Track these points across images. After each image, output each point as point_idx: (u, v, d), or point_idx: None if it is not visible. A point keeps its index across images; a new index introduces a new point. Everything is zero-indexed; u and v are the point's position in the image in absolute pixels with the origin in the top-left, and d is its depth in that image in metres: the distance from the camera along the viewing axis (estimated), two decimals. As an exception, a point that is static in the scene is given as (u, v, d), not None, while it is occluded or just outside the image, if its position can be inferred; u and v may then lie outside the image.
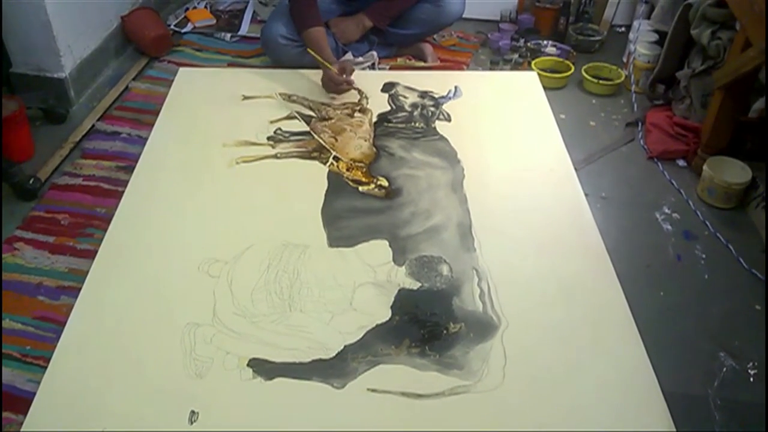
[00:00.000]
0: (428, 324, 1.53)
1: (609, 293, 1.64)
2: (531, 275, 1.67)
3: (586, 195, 1.95)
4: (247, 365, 1.44)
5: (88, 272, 1.67)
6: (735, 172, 2.01)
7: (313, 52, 2.30)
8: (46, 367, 1.45)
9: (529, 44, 2.79)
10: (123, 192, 1.91)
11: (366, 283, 1.63)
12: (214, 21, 2.97)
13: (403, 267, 1.67)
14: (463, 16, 2.67)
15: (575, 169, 2.05)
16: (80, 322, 1.54)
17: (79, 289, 1.63)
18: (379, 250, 1.73)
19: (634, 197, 2.05)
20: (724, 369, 1.55)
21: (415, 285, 1.63)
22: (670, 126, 2.26)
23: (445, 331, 1.52)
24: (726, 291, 1.75)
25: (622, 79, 2.56)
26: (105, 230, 1.79)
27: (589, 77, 2.55)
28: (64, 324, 1.55)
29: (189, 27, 2.91)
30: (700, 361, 1.57)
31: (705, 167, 2.03)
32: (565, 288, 1.64)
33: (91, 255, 1.73)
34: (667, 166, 2.18)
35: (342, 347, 1.48)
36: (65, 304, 1.63)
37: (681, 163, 2.20)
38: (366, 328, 1.52)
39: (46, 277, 1.72)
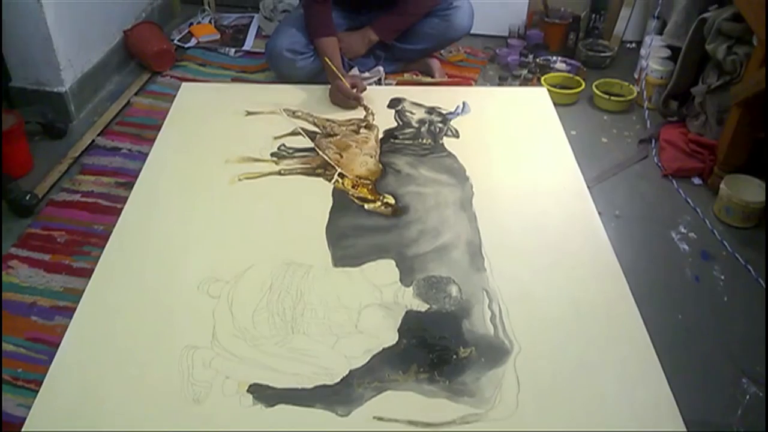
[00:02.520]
0: (437, 348, 1.46)
1: (625, 316, 1.57)
2: (544, 297, 1.60)
3: (599, 213, 1.88)
4: (247, 391, 1.37)
5: (83, 292, 1.61)
6: (753, 190, 1.95)
7: (327, 60, 2.26)
8: (37, 391, 1.38)
9: (538, 60, 2.74)
10: (122, 209, 1.85)
11: (372, 304, 1.57)
12: (219, 36, 2.93)
13: (411, 288, 1.61)
14: (471, 31, 2.62)
15: (588, 186, 1.98)
16: (74, 343, 1.47)
17: (74, 310, 1.56)
18: (385, 270, 1.66)
19: (649, 216, 1.99)
20: (747, 396, 1.48)
21: (423, 307, 1.56)
22: (685, 143, 2.20)
23: (455, 356, 1.45)
24: (746, 314, 1.68)
25: (634, 95, 2.51)
26: (102, 248, 1.73)
27: (600, 93, 2.49)
28: (57, 346, 1.48)
29: (193, 42, 2.87)
30: (721, 388, 1.49)
31: (722, 185, 1.97)
32: (580, 310, 1.57)
33: (87, 274, 1.67)
34: (683, 184, 2.12)
35: (347, 372, 1.41)
36: (59, 325, 1.57)
37: (696, 180, 2.14)
38: (372, 352, 1.45)
39: (41, 296, 1.66)
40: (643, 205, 2.04)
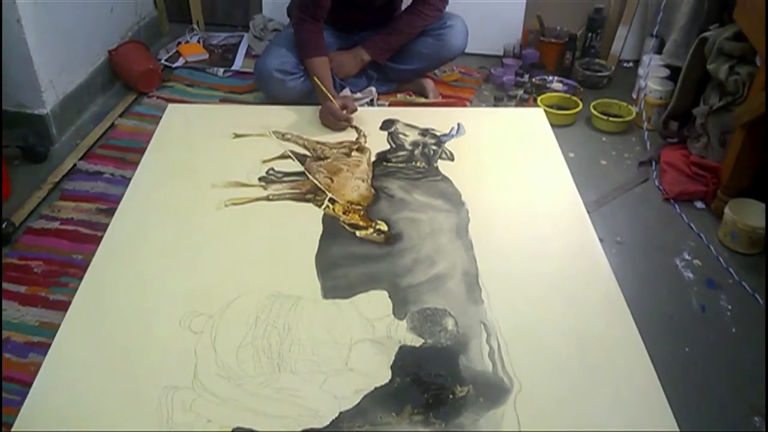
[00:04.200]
0: (433, 387, 1.38)
1: (630, 349, 1.49)
2: (544, 330, 1.52)
3: (600, 240, 1.81)
4: (230, 435, 1.28)
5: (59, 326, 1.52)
6: (758, 215, 1.88)
7: (317, 80, 2.19)
8: (7, 437, 1.30)
9: (534, 80, 2.68)
10: (102, 237, 1.77)
11: (364, 339, 1.48)
12: (207, 56, 2.87)
13: (405, 321, 1.53)
14: (465, 51, 2.57)
15: (587, 211, 1.91)
16: (46, 383, 1.38)
17: (50, 346, 1.48)
18: (378, 301, 1.58)
19: (651, 242, 1.92)
20: (760, 436, 1.40)
21: (417, 341, 1.48)
22: (687, 165, 2.14)
23: (451, 396, 1.36)
24: (756, 346, 1.60)
25: (633, 116, 2.45)
26: (81, 279, 1.65)
27: (598, 114, 2.43)
28: (30, 385, 1.39)
29: (180, 62, 2.81)
30: (731, 426, 1.42)
31: (726, 210, 1.90)
32: (582, 344, 1.49)
33: (64, 307, 1.58)
34: (685, 208, 2.05)
35: (337, 414, 1.32)
36: (33, 363, 1.49)
37: (699, 205, 2.07)
38: (363, 392, 1.36)
39: (14, 331, 1.58)
40: (645, 231, 1.97)
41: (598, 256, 1.73)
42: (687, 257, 1.87)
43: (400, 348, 1.46)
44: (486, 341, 1.48)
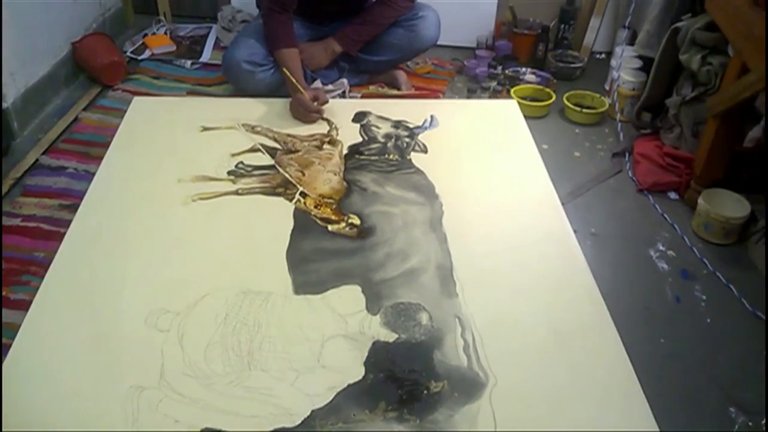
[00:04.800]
0: (406, 383, 1.35)
1: (606, 341, 1.47)
2: (519, 323, 1.50)
3: (574, 231, 1.79)
4: (199, 436, 1.24)
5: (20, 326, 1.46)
6: (732, 205, 1.88)
7: (287, 72, 2.14)
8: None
9: (507, 72, 2.66)
10: (65, 234, 1.71)
11: (336, 335, 1.45)
12: (174, 47, 2.80)
13: (378, 316, 1.49)
14: (438, 43, 2.54)
15: (562, 203, 1.89)
16: (7, 385, 1.32)
17: (10, 346, 1.42)
18: (350, 296, 1.55)
19: (625, 233, 1.91)
20: (736, 426, 1.39)
21: (391, 337, 1.45)
22: (660, 156, 2.13)
23: (425, 391, 1.33)
24: (731, 336, 1.60)
25: (606, 107, 2.44)
26: (43, 278, 1.59)
27: (571, 106, 2.42)
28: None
29: (147, 54, 2.74)
30: (708, 417, 1.41)
31: (700, 200, 1.90)
32: (558, 337, 1.47)
33: (26, 306, 1.52)
34: (659, 199, 2.04)
35: (309, 413, 1.28)
36: (-8, 365, 1.42)
37: (673, 195, 2.07)
38: (336, 389, 1.33)
39: (-27, 333, 1.51)
40: (619, 222, 1.96)
41: (573, 248, 1.71)
42: (661, 248, 1.86)
43: (374, 344, 1.43)
44: (461, 335, 1.45)
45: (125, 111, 2.22)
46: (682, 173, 2.06)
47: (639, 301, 1.67)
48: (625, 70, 2.42)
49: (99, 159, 2.00)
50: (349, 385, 1.34)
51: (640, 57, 2.46)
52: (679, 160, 2.09)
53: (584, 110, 2.41)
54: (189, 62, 2.70)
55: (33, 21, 2.24)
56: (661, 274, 1.77)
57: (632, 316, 1.60)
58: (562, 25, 2.83)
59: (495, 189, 1.92)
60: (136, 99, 2.30)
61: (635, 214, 1.99)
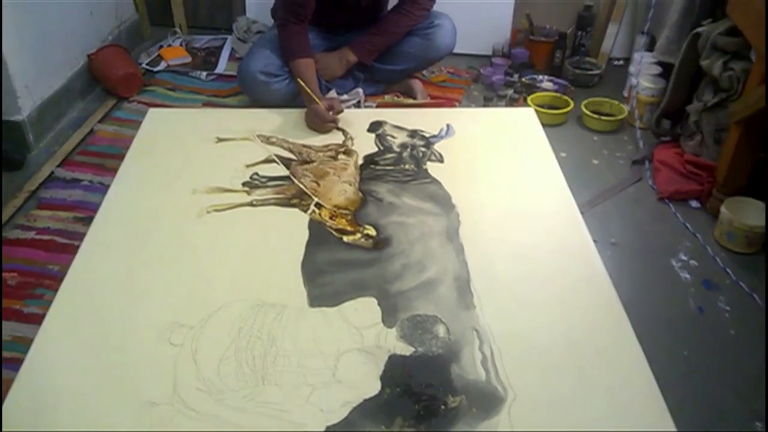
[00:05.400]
0: (424, 398, 1.32)
1: (627, 354, 1.43)
2: (539, 336, 1.46)
3: (594, 241, 1.75)
4: (212, 453, 1.22)
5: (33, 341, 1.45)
6: (755, 213, 1.84)
7: (301, 82, 2.13)
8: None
9: (523, 79, 2.64)
10: (79, 247, 1.70)
11: (352, 349, 1.42)
12: (190, 59, 2.81)
13: (394, 329, 1.47)
14: (454, 51, 2.52)
15: (580, 212, 1.85)
16: (18, 400, 1.31)
17: (23, 361, 1.41)
18: (366, 309, 1.52)
19: (646, 243, 1.87)
20: (763, 442, 1.35)
21: (407, 350, 1.42)
22: (681, 164, 2.09)
23: (443, 407, 1.30)
24: (756, 348, 1.56)
25: (625, 114, 2.40)
26: (56, 291, 1.58)
27: (589, 113, 2.39)
28: (1, 403, 1.32)
29: (162, 65, 2.75)
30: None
31: (722, 209, 1.85)
32: (579, 349, 1.43)
33: (38, 320, 1.50)
34: (680, 208, 2.00)
35: (324, 429, 1.26)
36: (6, 380, 1.41)
37: (694, 204, 2.03)
38: (351, 405, 1.30)
39: (-14, 346, 1.51)
40: (639, 232, 1.92)
41: (592, 258, 1.68)
42: (683, 258, 1.82)
43: (390, 357, 1.40)
44: (479, 349, 1.42)
45: (140, 123, 2.21)
46: (703, 181, 2.02)
47: (661, 313, 1.64)
48: (644, 77, 2.39)
49: (114, 171, 1.99)
50: (364, 401, 1.31)
51: (659, 63, 2.42)
52: (700, 168, 2.05)
53: (603, 117, 2.38)
54: (204, 74, 2.70)
55: (49, 33, 2.25)
56: (684, 285, 1.73)
57: (654, 328, 1.57)
58: (579, 32, 2.80)
59: (512, 198, 1.89)
60: (152, 110, 2.30)
61: (656, 224, 1.96)
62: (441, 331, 1.46)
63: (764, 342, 1.56)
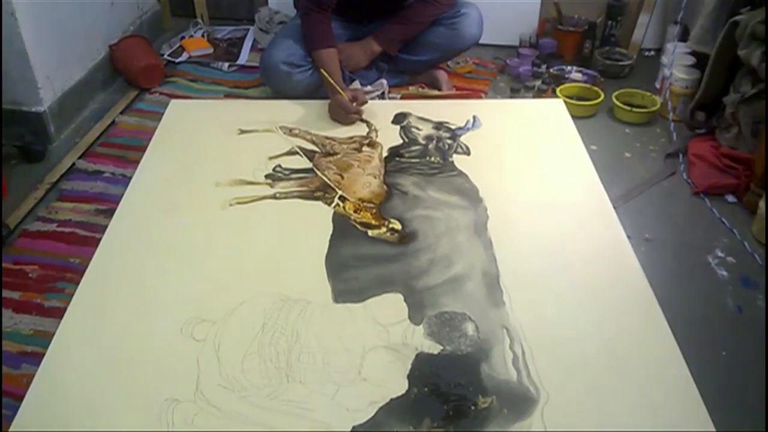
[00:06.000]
0: (453, 398, 1.28)
1: (664, 354, 1.38)
2: (571, 334, 1.41)
3: (628, 237, 1.69)
4: (235, 453, 1.19)
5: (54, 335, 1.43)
6: (796, 208, 1.76)
7: (324, 73, 2.09)
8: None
9: (551, 70, 2.57)
10: (101, 239, 1.68)
11: (377, 346, 1.38)
12: (212, 50, 2.77)
13: (421, 326, 1.42)
14: (480, 41, 2.46)
15: (613, 206, 1.80)
16: (40, 395, 1.29)
17: (43, 355, 1.38)
18: (392, 305, 1.48)
19: (681, 239, 1.81)
20: (807, 446, 1.29)
21: (435, 348, 1.38)
22: (717, 157, 2.02)
23: (473, 407, 1.26)
24: (798, 349, 1.49)
25: (658, 106, 2.33)
26: (78, 284, 1.55)
27: (620, 104, 2.32)
28: (22, 398, 1.29)
29: (184, 56, 2.71)
30: (776, 437, 1.31)
31: (761, 204, 1.78)
32: (613, 349, 1.38)
33: (60, 314, 1.49)
34: (716, 203, 1.93)
35: (349, 429, 1.22)
36: (26, 374, 1.39)
37: (731, 198, 1.96)
38: (378, 404, 1.26)
39: (7, 340, 1.49)
40: (674, 227, 1.85)
41: (626, 254, 1.62)
42: (720, 254, 1.75)
43: (417, 355, 1.36)
44: (509, 347, 1.37)
45: (162, 114, 2.19)
46: (740, 175, 1.95)
47: (697, 312, 1.57)
48: (677, 68, 2.31)
49: (136, 163, 1.97)
50: (391, 400, 1.27)
51: (693, 54, 2.34)
52: (737, 161, 1.98)
53: (634, 109, 2.31)
54: (226, 65, 2.67)
55: (70, 24, 2.23)
56: (721, 282, 1.67)
57: (691, 327, 1.50)
58: (609, 22, 2.72)
59: (542, 192, 1.83)
60: (173, 102, 2.27)
61: (691, 219, 1.89)
62: (470, 329, 1.42)
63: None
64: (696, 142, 2.12)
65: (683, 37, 2.45)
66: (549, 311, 1.46)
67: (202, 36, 2.86)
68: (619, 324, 1.44)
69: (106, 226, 1.72)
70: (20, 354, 1.46)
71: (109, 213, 1.79)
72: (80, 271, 1.60)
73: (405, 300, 1.49)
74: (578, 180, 1.89)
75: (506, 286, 1.52)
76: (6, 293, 1.60)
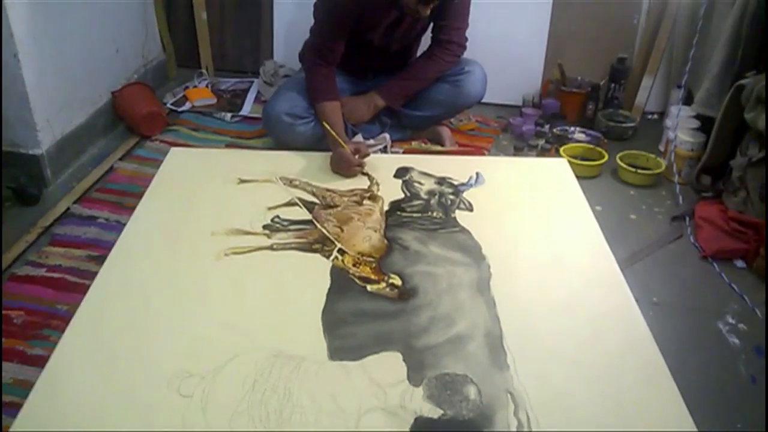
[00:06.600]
0: (453, 466, 1.20)
1: (676, 424, 1.30)
2: (579, 401, 1.34)
3: (635, 300, 1.64)
4: None
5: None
6: (808, 276, 1.72)
7: (326, 125, 2.07)
8: None
9: (555, 130, 2.56)
10: (90, 286, 1.62)
11: (374, 408, 1.30)
12: (215, 100, 2.77)
13: (421, 388, 1.35)
14: (483, 100, 2.45)
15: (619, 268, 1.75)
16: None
17: (21, 407, 1.31)
18: (390, 364, 1.41)
19: (690, 303, 1.76)
20: None
21: (435, 413, 1.30)
22: (725, 221, 1.98)
23: (474, 477, 1.18)
24: (816, 423, 1.42)
25: (662, 168, 2.30)
26: (63, 332, 1.49)
27: (625, 166, 2.30)
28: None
29: (187, 106, 2.71)
30: None
31: (772, 270, 1.74)
32: (623, 416, 1.31)
33: (43, 362, 1.41)
34: (725, 267, 1.89)
35: (342, 497, 1.14)
36: (4, 426, 1.31)
37: (739, 263, 1.91)
38: (373, 471, 1.19)
39: (-16, 390, 1.41)
40: (682, 291, 1.80)
41: (635, 318, 1.56)
42: (731, 321, 1.70)
43: (416, 420, 1.28)
44: (513, 414, 1.30)
45: (162, 161, 2.16)
46: (749, 240, 1.91)
47: (710, 381, 1.51)
48: (682, 130, 2.30)
49: (131, 209, 1.92)
50: (387, 467, 1.20)
51: (697, 117, 2.34)
52: (745, 226, 1.94)
53: (639, 171, 2.28)
54: (229, 115, 2.66)
55: (74, 69, 2.22)
56: (733, 350, 1.61)
57: (704, 397, 1.44)
58: (613, 84, 2.73)
59: (547, 251, 1.78)
60: (173, 149, 2.24)
61: (700, 283, 1.84)
62: (472, 392, 1.35)
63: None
64: (703, 206, 2.09)
65: (687, 100, 2.45)
66: (555, 376, 1.39)
67: (206, 87, 2.86)
68: (629, 390, 1.37)
69: (96, 273, 1.66)
70: (-3, 404, 1.38)
71: (101, 259, 1.73)
72: (67, 319, 1.53)
73: (404, 359, 1.42)
74: (583, 239, 1.84)
75: (510, 347, 1.45)
76: (-13, 340, 1.54)
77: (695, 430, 1.28)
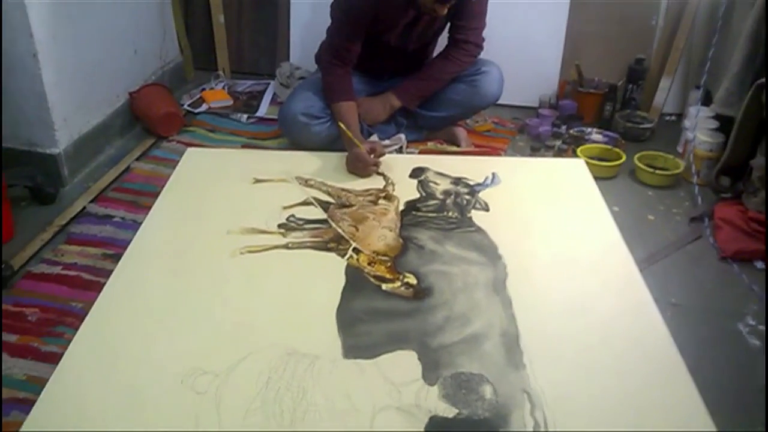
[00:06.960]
0: (468, 466, 1.19)
1: (695, 425, 1.28)
2: (598, 402, 1.32)
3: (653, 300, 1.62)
4: None
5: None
6: (831, 277, 1.68)
7: (342, 126, 2.07)
8: None
9: (572, 131, 2.54)
10: (105, 284, 1.62)
11: (388, 407, 1.29)
12: (231, 102, 2.78)
13: (436, 387, 1.34)
14: (499, 101, 2.44)
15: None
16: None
17: (35, 403, 1.31)
18: (405, 363, 1.40)
19: (710, 305, 1.73)
20: None
21: (450, 412, 1.29)
22: (744, 222, 1.95)
23: (490, 477, 1.17)
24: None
25: (681, 169, 2.28)
26: (78, 329, 1.49)
27: (643, 166, 2.27)
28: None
29: (204, 107, 2.71)
30: None
31: (794, 271, 1.71)
32: (641, 418, 1.29)
33: (56, 359, 1.41)
34: (744, 268, 1.86)
35: (356, 495, 1.13)
36: (17, 422, 1.31)
37: (759, 265, 1.88)
38: (387, 470, 1.17)
39: (-1, 385, 1.42)
40: (701, 292, 1.78)
41: (653, 318, 1.54)
42: (751, 322, 1.67)
43: (431, 419, 1.27)
44: (530, 414, 1.28)
45: (178, 162, 2.17)
46: (770, 241, 1.88)
47: (731, 383, 1.48)
48: (701, 131, 2.27)
49: (147, 209, 1.93)
50: (402, 466, 1.18)
51: (715, 117, 2.31)
52: (765, 226, 1.91)
53: (657, 171, 2.26)
54: (245, 116, 2.66)
55: (93, 69, 2.24)
56: (754, 352, 1.58)
57: (725, 401, 1.41)
58: (630, 85, 2.70)
59: (564, 251, 1.76)
60: (190, 149, 2.25)
61: (719, 284, 1.81)
62: (487, 392, 1.33)
63: None
64: (722, 206, 2.06)
65: (705, 101, 2.42)
66: (572, 376, 1.37)
67: (223, 88, 2.87)
68: (648, 391, 1.35)
69: (112, 271, 1.67)
70: (12, 400, 1.39)
71: (117, 258, 1.74)
72: (81, 316, 1.53)
73: (419, 358, 1.41)
74: (601, 240, 1.82)
75: (527, 347, 1.44)
76: (3, 336, 1.54)
77: (715, 430, 1.26)
